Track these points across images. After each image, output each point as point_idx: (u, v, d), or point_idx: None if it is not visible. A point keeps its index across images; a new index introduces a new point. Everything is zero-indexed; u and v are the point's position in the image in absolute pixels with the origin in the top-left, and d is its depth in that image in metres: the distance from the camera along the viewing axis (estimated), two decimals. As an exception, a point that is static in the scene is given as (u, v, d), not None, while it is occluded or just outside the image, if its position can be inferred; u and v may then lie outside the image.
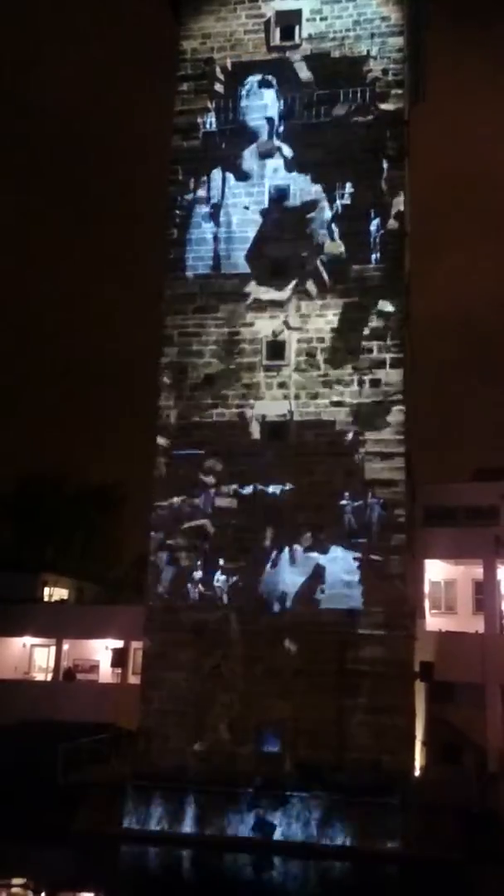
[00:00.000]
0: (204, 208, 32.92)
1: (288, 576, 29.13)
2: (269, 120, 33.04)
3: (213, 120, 33.57)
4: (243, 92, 33.37)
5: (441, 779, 28.60)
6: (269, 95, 33.16)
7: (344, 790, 25.40)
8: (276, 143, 32.85)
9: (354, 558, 28.60)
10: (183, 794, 26.01)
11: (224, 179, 32.98)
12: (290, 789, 25.76)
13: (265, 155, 32.85)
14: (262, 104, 33.19)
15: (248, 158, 32.97)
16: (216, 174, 33.06)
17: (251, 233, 32.28)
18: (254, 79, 33.33)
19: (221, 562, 29.68)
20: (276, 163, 32.71)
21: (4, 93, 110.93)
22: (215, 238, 32.51)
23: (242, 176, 32.88)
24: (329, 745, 27.27)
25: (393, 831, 24.40)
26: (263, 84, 33.21)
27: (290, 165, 32.55)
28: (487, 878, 23.32)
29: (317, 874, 24.13)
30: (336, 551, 28.86)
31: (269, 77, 33.15)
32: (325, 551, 28.94)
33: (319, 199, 31.93)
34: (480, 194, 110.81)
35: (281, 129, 32.90)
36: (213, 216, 32.75)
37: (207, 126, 33.58)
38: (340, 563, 28.70)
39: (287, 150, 32.67)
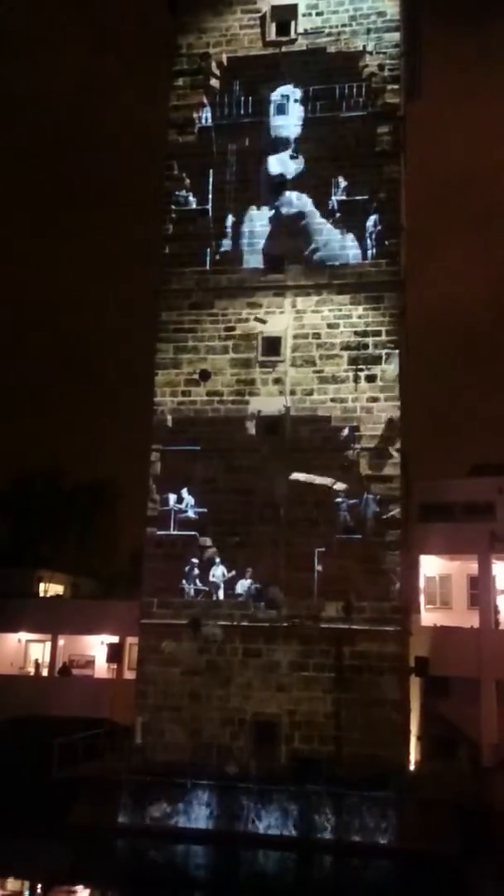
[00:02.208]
0: (200, 203, 32.87)
1: (284, 571, 29.18)
2: (265, 116, 33.01)
3: (209, 115, 33.55)
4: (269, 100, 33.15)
5: (435, 773, 28.70)
6: (266, 91, 33.13)
7: (339, 784, 25.48)
8: (272, 138, 32.83)
9: (351, 554, 28.69)
10: (178, 788, 26.07)
11: (219, 175, 32.94)
12: (285, 783, 25.84)
13: (261, 150, 32.83)
14: (258, 99, 33.17)
15: (244, 154, 32.95)
16: (212, 169, 33.02)
17: (247, 228, 32.27)
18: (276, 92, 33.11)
19: (217, 557, 29.72)
20: (271, 158, 32.69)
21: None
22: (211, 234, 32.49)
23: (238, 171, 32.85)
24: (325, 740, 27.40)
25: (388, 825, 24.49)
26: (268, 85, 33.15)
27: (285, 160, 32.53)
28: (481, 872, 23.43)
29: (311, 868, 24.19)
30: (333, 546, 28.93)
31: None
32: (321, 547, 28.99)
33: (316, 195, 31.93)
34: (476, 191, 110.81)
35: (277, 124, 32.87)
36: (209, 211, 32.71)
37: (203, 121, 33.56)
38: (336, 556, 28.76)
39: (283, 146, 32.66)
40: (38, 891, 26.38)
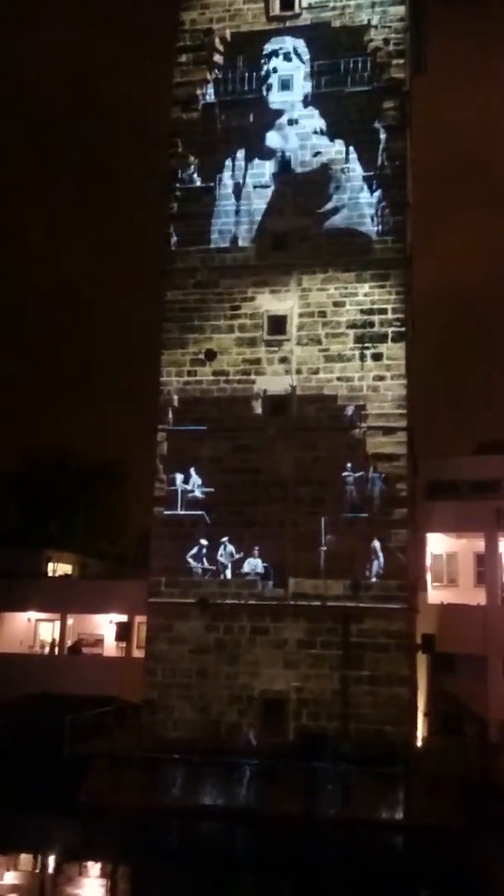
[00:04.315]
0: (204, 181, 32.66)
1: (290, 550, 29.27)
2: (270, 91, 32.70)
3: (213, 91, 33.24)
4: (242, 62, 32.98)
5: (442, 749, 28.91)
6: (270, 66, 32.79)
7: (347, 761, 25.69)
8: (277, 114, 32.53)
9: (357, 532, 28.79)
10: (187, 765, 26.32)
11: (224, 152, 32.69)
12: (293, 760, 26.05)
13: (265, 127, 32.55)
14: (263, 75, 32.84)
15: (248, 130, 32.67)
16: (216, 147, 32.77)
17: (252, 206, 32.08)
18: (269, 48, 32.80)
19: (224, 536, 29.81)
20: (276, 134, 32.43)
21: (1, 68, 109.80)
22: (215, 212, 32.30)
23: (242, 148, 32.58)
24: (332, 717, 27.60)
25: (395, 801, 24.71)
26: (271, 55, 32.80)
27: (290, 137, 32.27)
28: (488, 847, 23.62)
29: (319, 844, 24.40)
30: (339, 524, 29.02)
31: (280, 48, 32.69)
32: (327, 524, 29.05)
33: (320, 171, 31.70)
34: (479, 169, 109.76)
35: (282, 100, 32.57)
36: (213, 189, 32.51)
37: (207, 98, 33.26)
38: (343, 535, 28.85)
39: (287, 122, 32.38)
40: (50, 867, 26.71)
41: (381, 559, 28.48)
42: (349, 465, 29.27)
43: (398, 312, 30.23)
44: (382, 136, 31.42)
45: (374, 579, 28.38)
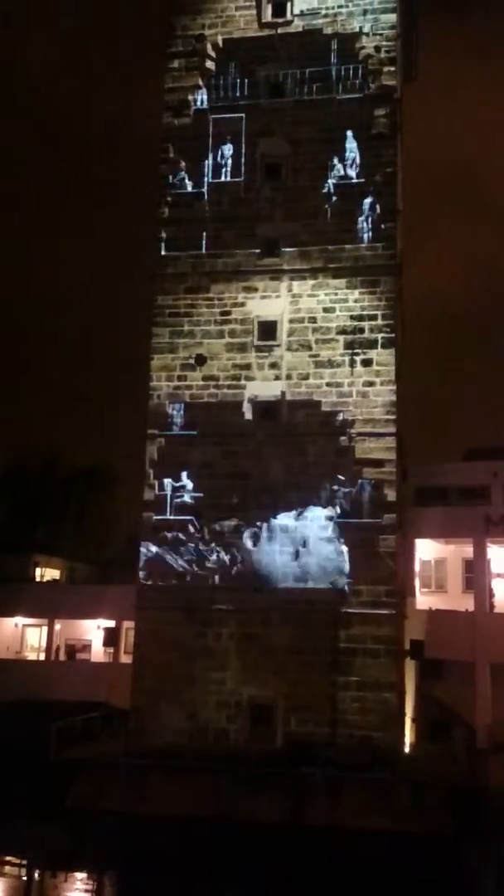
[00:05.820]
0: (195, 187, 32.72)
1: (279, 556, 29.28)
2: (261, 98, 32.79)
3: (205, 97, 33.32)
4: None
5: (430, 755, 28.92)
6: (262, 73, 32.93)
7: (335, 766, 25.65)
8: (268, 120, 32.62)
9: (345, 538, 28.84)
10: (174, 771, 26.21)
11: (215, 158, 32.76)
12: (281, 766, 25.99)
13: (257, 133, 32.64)
14: (254, 81, 32.93)
15: (240, 136, 32.74)
16: (207, 152, 32.83)
17: (243, 212, 32.14)
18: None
19: (213, 542, 29.78)
20: (268, 141, 32.51)
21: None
22: (207, 217, 32.36)
23: (234, 154, 32.66)
24: (320, 722, 27.57)
25: (383, 807, 24.66)
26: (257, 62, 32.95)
27: (282, 143, 32.34)
28: (475, 852, 23.64)
29: (307, 850, 24.35)
30: (327, 531, 29.06)
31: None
32: (316, 530, 29.08)
33: (311, 177, 31.79)
34: (462, 177, 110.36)
35: (273, 106, 32.66)
36: (205, 195, 32.57)
37: (199, 104, 33.33)
38: (333, 543, 28.89)
39: (279, 128, 32.47)
40: (37, 872, 26.54)
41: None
42: (338, 470, 29.30)
43: (388, 318, 30.32)
44: (373, 143, 31.56)
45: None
